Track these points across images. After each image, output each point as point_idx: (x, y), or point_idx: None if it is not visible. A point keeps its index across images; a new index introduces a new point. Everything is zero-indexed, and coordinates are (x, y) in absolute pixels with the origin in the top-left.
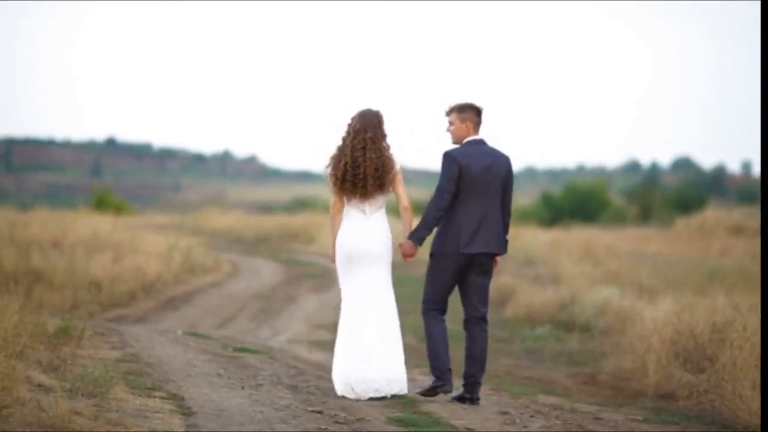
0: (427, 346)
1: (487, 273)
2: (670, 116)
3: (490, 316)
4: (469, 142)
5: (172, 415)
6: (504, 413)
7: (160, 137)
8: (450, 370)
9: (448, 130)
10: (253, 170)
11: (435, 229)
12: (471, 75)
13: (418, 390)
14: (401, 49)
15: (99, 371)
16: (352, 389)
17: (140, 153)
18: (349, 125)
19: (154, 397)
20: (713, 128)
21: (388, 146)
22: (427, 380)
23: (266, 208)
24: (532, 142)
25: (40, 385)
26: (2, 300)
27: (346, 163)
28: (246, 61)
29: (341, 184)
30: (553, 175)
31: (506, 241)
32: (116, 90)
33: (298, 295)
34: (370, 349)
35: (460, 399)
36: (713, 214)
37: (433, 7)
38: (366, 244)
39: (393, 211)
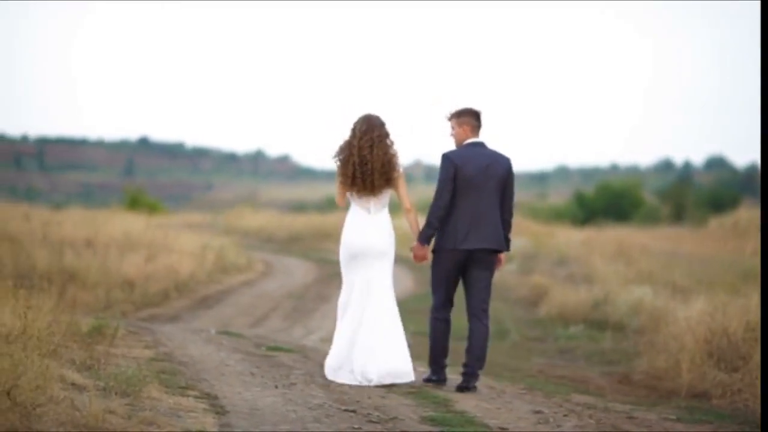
0: (429, 338)
1: (487, 268)
2: (703, 115)
3: (522, 315)
4: (468, 145)
5: (206, 413)
6: (537, 412)
7: (193, 136)
8: (445, 365)
9: (451, 134)
10: (286, 169)
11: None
12: (505, 76)
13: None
14: (429, 50)
15: (132, 370)
16: (354, 377)
17: (173, 152)
18: (354, 129)
19: (188, 395)
20: (747, 127)
21: (393, 143)
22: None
23: (299, 208)
24: (566, 141)
25: (73, 384)
26: (36, 299)
27: (354, 162)
28: (280, 61)
29: (351, 181)
30: (586, 174)
31: (508, 240)
32: (149, 89)
33: (330, 295)
34: (373, 343)
35: (458, 389)
36: (747, 213)
37: (460, 9)
38: (370, 240)
39: (397, 209)
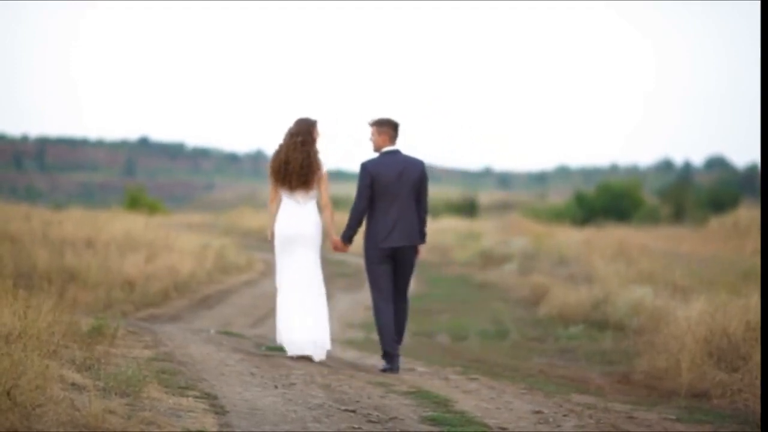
0: (377, 329)
1: (407, 261)
2: (703, 115)
3: (522, 315)
4: (384, 153)
5: (206, 413)
6: (537, 412)
7: (193, 136)
8: (396, 354)
9: (370, 139)
10: None
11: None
12: (506, 75)
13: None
14: (430, 49)
15: (132, 370)
16: (289, 349)
17: (174, 152)
18: (288, 129)
19: (188, 395)
20: (747, 127)
21: (316, 151)
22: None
23: None
24: (566, 141)
25: (73, 384)
26: (36, 299)
27: (281, 160)
28: (280, 61)
29: (276, 175)
30: (587, 174)
31: (424, 233)
32: (150, 89)
33: (330, 294)
34: (304, 318)
35: (382, 370)
36: (747, 212)
37: (461, 8)
38: (299, 228)
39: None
